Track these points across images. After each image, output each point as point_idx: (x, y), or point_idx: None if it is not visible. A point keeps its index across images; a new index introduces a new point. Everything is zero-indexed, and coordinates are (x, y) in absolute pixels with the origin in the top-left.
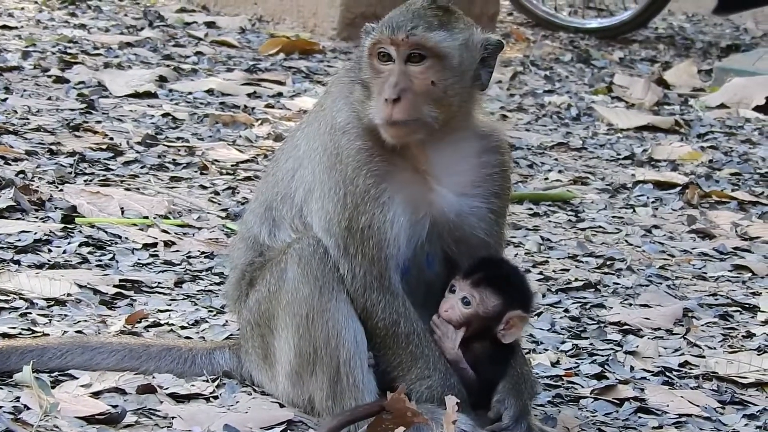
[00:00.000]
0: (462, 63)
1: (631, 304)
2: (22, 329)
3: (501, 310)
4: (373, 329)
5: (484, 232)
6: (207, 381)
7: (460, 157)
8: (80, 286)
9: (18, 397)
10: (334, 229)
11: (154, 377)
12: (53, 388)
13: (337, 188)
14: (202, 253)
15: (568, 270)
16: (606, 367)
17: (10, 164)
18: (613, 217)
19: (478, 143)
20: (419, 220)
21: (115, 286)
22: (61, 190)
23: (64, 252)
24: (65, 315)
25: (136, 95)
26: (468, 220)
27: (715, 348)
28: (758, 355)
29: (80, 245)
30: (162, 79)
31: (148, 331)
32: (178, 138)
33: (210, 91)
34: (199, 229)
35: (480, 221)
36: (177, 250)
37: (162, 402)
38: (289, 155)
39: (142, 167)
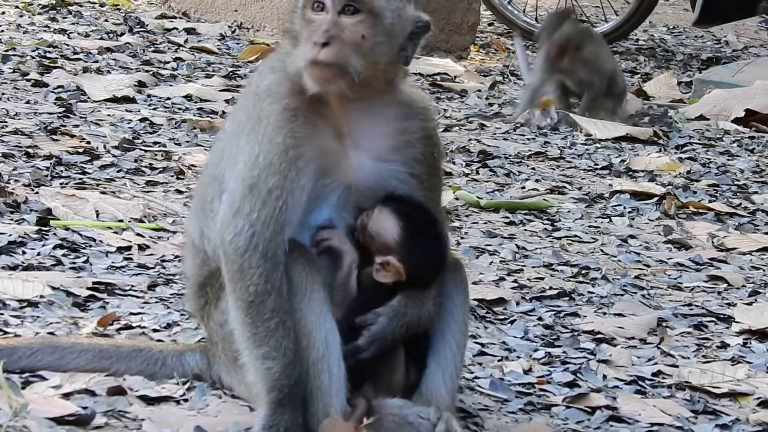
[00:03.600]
0: (393, 27)
1: (605, 314)
2: None
3: (389, 246)
4: (241, 292)
5: (407, 196)
6: (177, 383)
7: (380, 122)
8: (53, 288)
9: None
10: (236, 186)
11: (124, 379)
12: (23, 388)
13: (253, 149)
14: (176, 256)
15: (542, 278)
16: (578, 375)
17: None
18: (590, 226)
19: (400, 110)
20: (329, 185)
21: (88, 288)
22: (37, 192)
23: (39, 254)
24: (37, 316)
25: (115, 100)
26: (388, 183)
27: (688, 358)
28: (732, 365)
29: (54, 247)
30: (141, 84)
31: (120, 333)
32: (156, 143)
33: (188, 97)
34: (174, 233)
35: (401, 184)
36: (151, 254)
37: (132, 404)
38: (218, 138)
39: (118, 171)
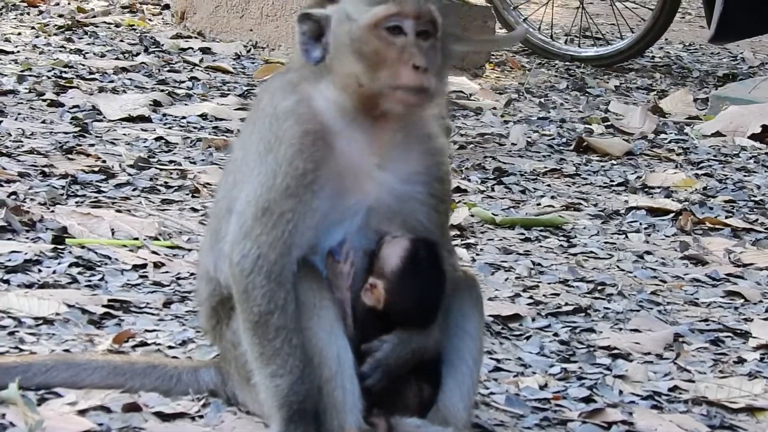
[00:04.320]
0: (448, 47)
1: (621, 329)
2: (10, 347)
3: (384, 272)
4: (246, 313)
5: (426, 217)
6: (192, 400)
7: (409, 142)
8: (69, 306)
9: (4, 414)
10: (248, 208)
11: (139, 396)
12: (39, 405)
13: (270, 170)
14: (192, 274)
15: (558, 294)
16: (594, 390)
17: (2, 186)
18: (605, 242)
19: (424, 128)
20: (350, 206)
21: (103, 306)
22: (53, 211)
23: (54, 272)
24: (53, 334)
25: (130, 119)
26: (408, 205)
27: (705, 373)
28: (749, 380)
29: (70, 266)
30: (156, 104)
31: (135, 350)
32: (171, 161)
33: (203, 116)
34: (189, 250)
35: (422, 206)
36: (166, 272)
37: (147, 420)
38: (228, 170)
39: (133, 190)
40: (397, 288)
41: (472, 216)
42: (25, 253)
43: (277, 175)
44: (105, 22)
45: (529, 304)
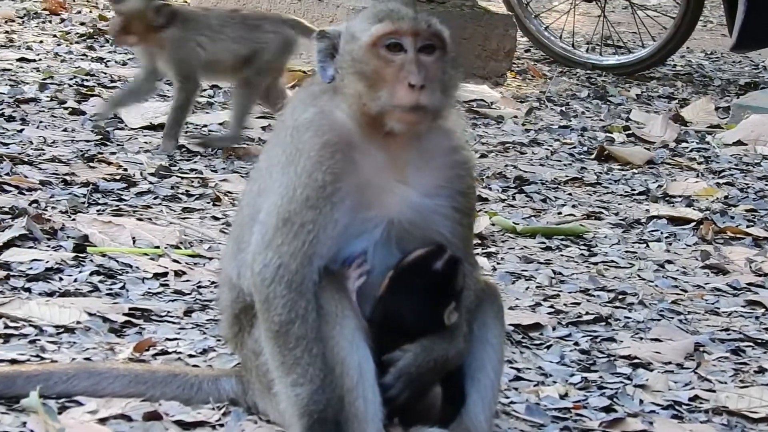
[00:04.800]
0: (455, 57)
1: (641, 338)
2: (31, 356)
3: (390, 275)
4: (268, 323)
5: (449, 230)
6: (213, 409)
7: (429, 156)
8: (90, 314)
9: (24, 423)
10: (270, 219)
11: (160, 404)
12: (60, 414)
13: (290, 182)
14: (212, 282)
15: (579, 304)
16: (615, 400)
17: (24, 194)
18: (626, 251)
19: (446, 141)
20: (370, 219)
21: (124, 314)
22: (74, 219)
23: (75, 280)
24: (74, 342)
25: (152, 127)
26: (431, 219)
27: (726, 383)
28: None
29: (91, 274)
30: None
31: (156, 359)
32: (192, 170)
33: (224, 124)
34: (210, 259)
35: (445, 220)
36: (187, 280)
37: (168, 429)
38: (253, 179)
39: (155, 198)
40: (391, 294)
41: (493, 225)
42: (47, 262)
43: (298, 187)
44: None
45: (549, 313)
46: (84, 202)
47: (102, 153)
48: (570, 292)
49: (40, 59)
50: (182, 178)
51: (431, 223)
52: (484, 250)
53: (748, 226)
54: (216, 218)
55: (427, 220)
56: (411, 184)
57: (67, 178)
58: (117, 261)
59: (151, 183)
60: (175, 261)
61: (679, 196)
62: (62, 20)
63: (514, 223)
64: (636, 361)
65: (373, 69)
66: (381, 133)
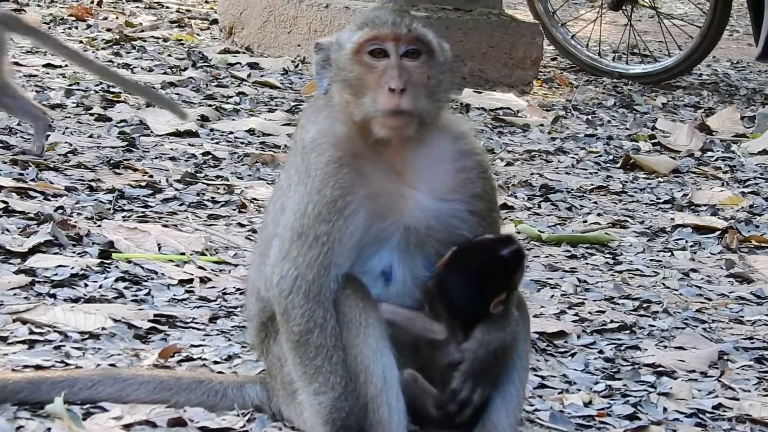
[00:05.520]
0: (445, 63)
1: (666, 347)
2: (56, 362)
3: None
4: (288, 333)
5: (468, 233)
6: (238, 415)
7: (438, 160)
8: (115, 320)
9: (49, 429)
10: (286, 233)
11: (185, 411)
12: (84, 420)
13: (302, 198)
14: (238, 289)
15: (603, 312)
16: (639, 408)
17: (49, 200)
18: (651, 260)
19: (453, 146)
20: (387, 227)
21: (149, 320)
22: (99, 225)
23: (100, 286)
24: (99, 348)
25: (178, 134)
26: (448, 223)
27: (749, 391)
28: None
29: (116, 280)
30: (203, 119)
31: (181, 365)
32: (218, 176)
33: (251, 131)
34: (236, 266)
35: (463, 223)
36: (213, 287)
37: None
38: (276, 195)
39: (180, 204)
40: (449, 271)
41: (519, 233)
42: (72, 268)
43: (309, 203)
44: (153, 37)
45: (574, 321)
46: (109, 209)
47: (128, 159)
48: (595, 301)
49: (66, 65)
50: (208, 185)
51: (450, 227)
52: None
53: None
54: (242, 225)
55: (445, 224)
56: (422, 189)
57: (93, 184)
58: (142, 267)
59: (176, 190)
60: (200, 268)
61: (704, 205)
62: (88, 26)
63: (539, 231)
64: (660, 369)
65: (357, 76)
66: (379, 141)
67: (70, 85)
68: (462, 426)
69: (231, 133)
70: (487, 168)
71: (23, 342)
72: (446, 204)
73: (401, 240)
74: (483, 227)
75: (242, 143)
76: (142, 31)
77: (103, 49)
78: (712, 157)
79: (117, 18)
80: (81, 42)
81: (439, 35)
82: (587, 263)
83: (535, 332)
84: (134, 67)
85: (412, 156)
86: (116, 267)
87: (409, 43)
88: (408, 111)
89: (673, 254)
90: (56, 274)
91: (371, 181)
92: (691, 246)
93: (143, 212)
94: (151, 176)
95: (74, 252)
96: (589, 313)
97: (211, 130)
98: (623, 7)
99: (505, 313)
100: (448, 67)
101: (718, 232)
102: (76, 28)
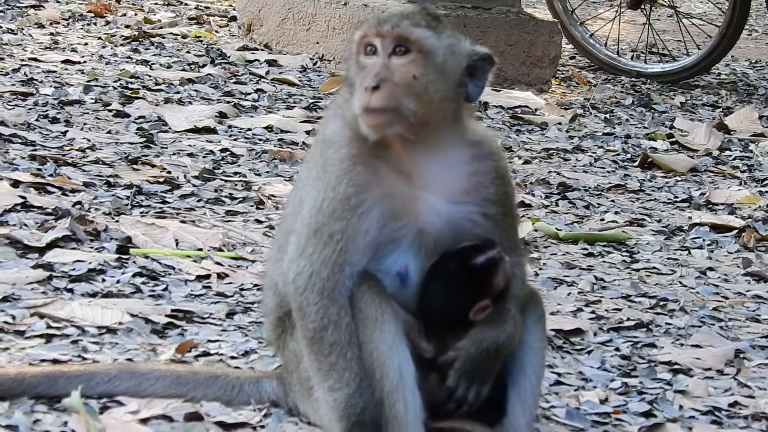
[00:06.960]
0: (446, 65)
1: (682, 344)
2: (73, 356)
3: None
4: (303, 330)
5: (483, 236)
6: (254, 410)
7: (450, 164)
8: (132, 315)
9: (66, 422)
10: (302, 229)
11: (201, 405)
12: (101, 414)
13: (319, 195)
14: (255, 285)
15: (620, 309)
16: (655, 405)
17: (67, 195)
18: (668, 258)
19: (469, 151)
20: (400, 228)
21: (167, 315)
22: (117, 221)
23: (118, 282)
24: (116, 343)
25: (196, 130)
26: (461, 226)
27: (765, 389)
28: None
29: (134, 275)
30: (222, 115)
31: (197, 360)
32: (236, 173)
33: (269, 128)
34: (253, 262)
35: (475, 227)
36: (230, 282)
37: (209, 430)
38: (296, 189)
39: (198, 201)
40: (427, 281)
41: (536, 231)
42: (89, 263)
43: (324, 200)
44: (172, 33)
45: (591, 319)
46: (127, 204)
47: (146, 155)
48: (611, 298)
49: (84, 61)
50: (226, 181)
51: (464, 231)
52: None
53: None
54: (259, 221)
55: (458, 228)
56: (435, 192)
57: (111, 179)
58: (160, 263)
59: (194, 186)
60: (217, 263)
61: (722, 204)
62: (107, 23)
63: (556, 229)
64: (676, 366)
65: (353, 74)
66: (382, 142)
67: (88, 82)
68: (483, 418)
69: (249, 129)
70: (503, 172)
71: (41, 336)
72: (460, 207)
73: (415, 242)
74: (498, 231)
75: (260, 140)
76: (161, 27)
77: (121, 45)
78: (730, 156)
79: (136, 14)
80: (99, 38)
81: (453, 36)
82: (604, 261)
83: (552, 329)
84: (153, 64)
85: (422, 158)
86: (134, 262)
87: (393, 41)
88: (379, 108)
89: (690, 253)
90: (74, 269)
91: (385, 181)
92: (708, 245)
93: (161, 208)
94: (169, 172)
95: (92, 247)
96: (606, 310)
97: (230, 126)
98: (642, 6)
99: (500, 313)
100: (451, 67)
101: (736, 231)
102: (95, 24)
